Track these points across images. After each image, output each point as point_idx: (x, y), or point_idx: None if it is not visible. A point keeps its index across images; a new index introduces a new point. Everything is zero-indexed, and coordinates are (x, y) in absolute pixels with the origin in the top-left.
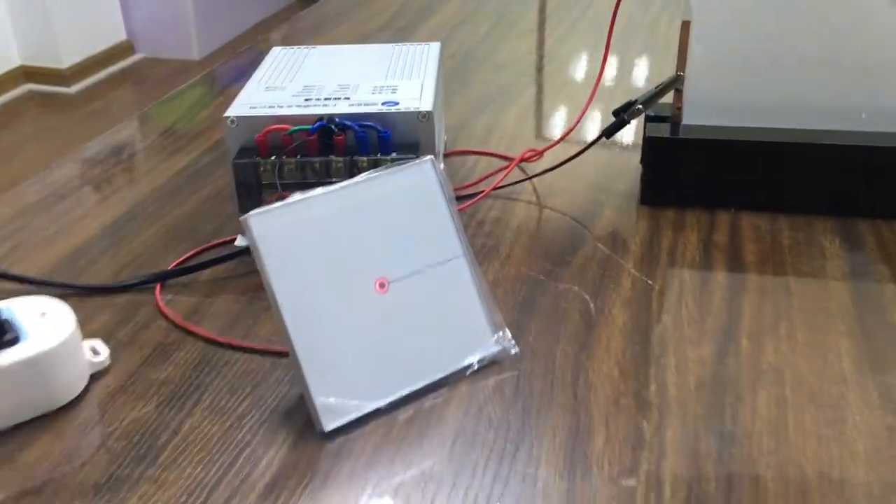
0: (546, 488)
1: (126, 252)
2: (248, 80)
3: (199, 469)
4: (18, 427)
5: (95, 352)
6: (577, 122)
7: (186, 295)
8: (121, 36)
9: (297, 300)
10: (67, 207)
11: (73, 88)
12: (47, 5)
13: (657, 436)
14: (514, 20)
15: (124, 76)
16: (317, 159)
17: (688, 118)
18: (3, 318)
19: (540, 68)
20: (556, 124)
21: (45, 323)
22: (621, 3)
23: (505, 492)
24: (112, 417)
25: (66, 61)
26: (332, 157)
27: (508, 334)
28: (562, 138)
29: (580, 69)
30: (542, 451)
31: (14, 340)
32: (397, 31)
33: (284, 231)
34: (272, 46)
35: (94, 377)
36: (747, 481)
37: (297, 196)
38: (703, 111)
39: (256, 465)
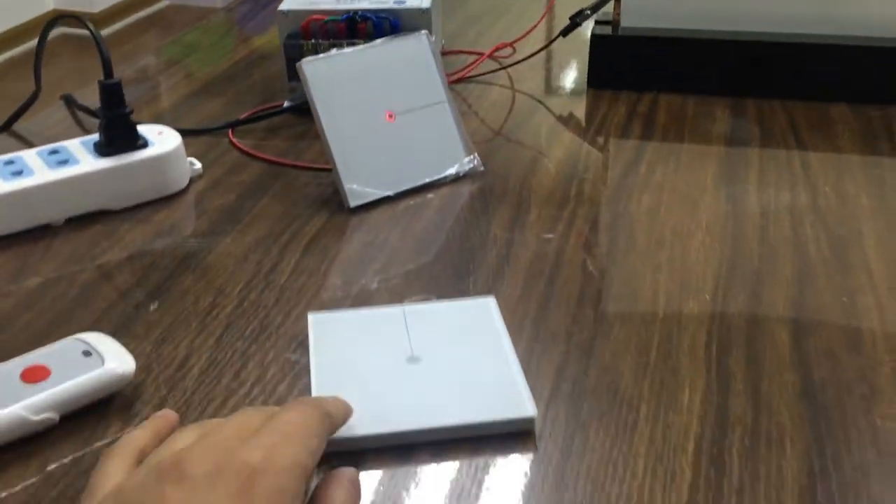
0: (495, 238)
1: (205, 111)
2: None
3: (268, 228)
4: (148, 203)
5: (193, 163)
6: (539, 22)
7: (250, 138)
8: None
9: (334, 121)
10: (155, 85)
11: (104, 32)
12: None
13: (572, 213)
14: None
15: (151, 21)
16: (345, 41)
17: (625, 21)
18: (138, 131)
19: None
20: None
21: (162, 137)
22: None
23: (470, 233)
24: (208, 201)
25: (97, 6)
26: (357, 40)
27: (477, 158)
28: (524, 35)
29: None
30: (494, 219)
31: (145, 145)
32: None
33: (327, 74)
34: None
35: (192, 181)
36: (624, 234)
37: (334, 51)
38: (636, 16)
39: (305, 224)
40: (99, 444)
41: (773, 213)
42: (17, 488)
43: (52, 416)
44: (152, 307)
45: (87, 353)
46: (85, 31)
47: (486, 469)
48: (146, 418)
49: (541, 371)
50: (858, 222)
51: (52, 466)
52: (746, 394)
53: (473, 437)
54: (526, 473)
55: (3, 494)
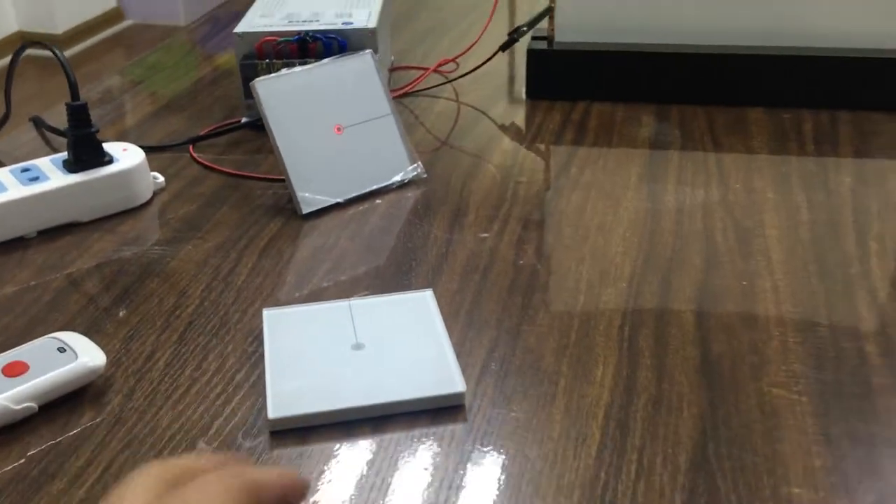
0: (436, 238)
1: (166, 127)
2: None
3: (226, 234)
4: (115, 215)
5: (156, 178)
6: (478, 39)
7: (210, 152)
8: (111, 3)
9: (286, 135)
10: (120, 105)
11: (68, 53)
12: None
13: (507, 213)
14: None
15: (115, 41)
16: (297, 61)
17: (558, 37)
18: (104, 148)
19: (473, 7)
20: (476, 47)
21: (127, 154)
22: None
23: (413, 234)
24: (170, 211)
25: (60, 27)
26: (308, 59)
27: (420, 165)
28: (466, 51)
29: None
30: (435, 221)
31: (110, 161)
32: None
33: (278, 92)
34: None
35: (156, 194)
36: (553, 230)
37: (284, 71)
38: (568, 32)
39: (261, 230)
40: (74, 431)
41: (688, 208)
42: (2, 470)
43: (32, 405)
44: (121, 313)
45: (61, 350)
46: (49, 53)
47: (421, 439)
48: (116, 406)
49: (472, 353)
50: (762, 214)
51: (32, 451)
52: (652, 367)
53: (412, 412)
54: (457, 442)
55: None
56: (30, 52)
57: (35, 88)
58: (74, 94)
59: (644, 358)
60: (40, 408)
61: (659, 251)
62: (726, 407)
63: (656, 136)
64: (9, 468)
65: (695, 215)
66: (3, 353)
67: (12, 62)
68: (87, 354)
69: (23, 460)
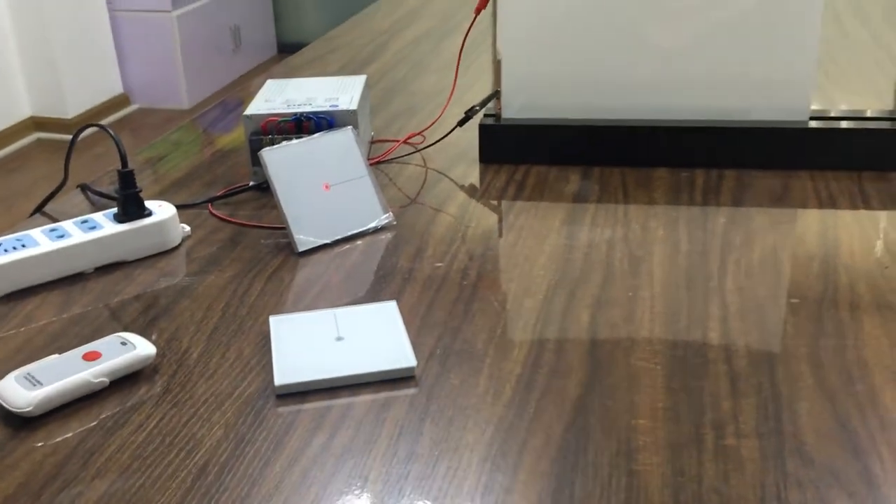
0: (401, 267)
1: (189, 190)
2: (248, 102)
3: (241, 267)
4: (153, 255)
5: (184, 228)
6: (438, 118)
7: (225, 209)
8: (118, 90)
9: (286, 191)
10: (151, 173)
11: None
12: (55, 64)
13: (457, 249)
14: (427, 65)
15: (122, 124)
16: (293, 135)
17: (505, 114)
18: (145, 204)
19: (438, 93)
20: (439, 123)
21: (162, 209)
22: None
23: (384, 265)
24: (195, 252)
25: (71, 112)
26: (302, 135)
27: (391, 215)
28: (427, 127)
29: (461, 92)
30: (401, 255)
31: (150, 214)
32: (346, 74)
33: (280, 159)
34: (254, 90)
35: (184, 240)
36: (490, 261)
37: (284, 143)
38: (512, 110)
39: (267, 265)
40: (134, 398)
41: (596, 243)
42: (81, 429)
43: (105, 380)
44: (162, 323)
45: (124, 343)
46: (60, 136)
47: (386, 399)
48: (164, 382)
49: (424, 344)
50: (652, 246)
51: (106, 413)
52: (554, 350)
53: (379, 381)
54: (411, 400)
55: (73, 433)
56: (42, 136)
57: (45, 170)
58: (124, 162)
59: (549, 344)
60: (110, 383)
61: (569, 273)
62: (604, 377)
63: (579, 191)
64: (90, 424)
65: (600, 248)
66: (81, 347)
67: (73, 139)
68: (142, 347)
69: (102, 416)
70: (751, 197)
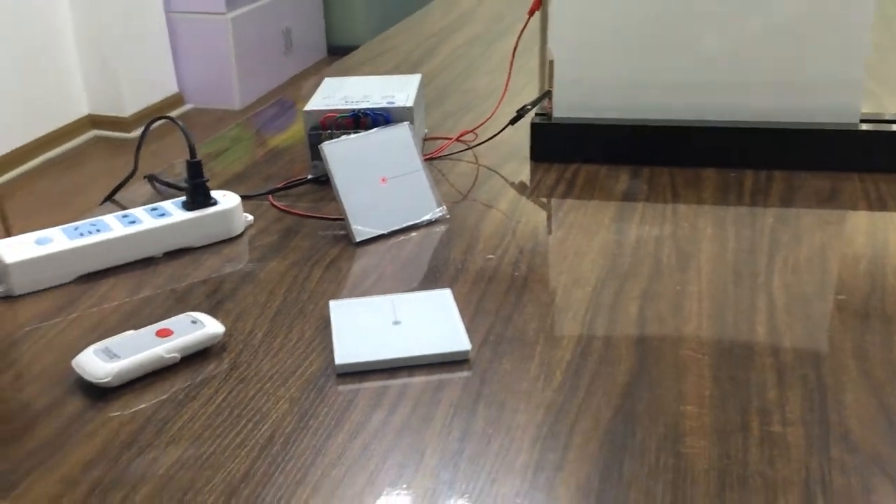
0: (454, 259)
1: (253, 183)
2: (307, 99)
3: (301, 255)
4: (218, 242)
5: (247, 217)
6: (490, 116)
7: (285, 200)
8: (173, 89)
9: (345, 183)
10: (215, 166)
11: (133, 134)
12: (113, 64)
13: (508, 243)
14: (479, 66)
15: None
16: (351, 131)
17: (556, 113)
18: (211, 194)
19: (491, 93)
20: (491, 122)
21: (227, 199)
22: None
23: (437, 256)
24: (257, 240)
25: (128, 111)
26: (359, 130)
27: (445, 208)
28: (480, 125)
29: (512, 92)
30: (454, 248)
31: (216, 203)
32: (400, 74)
33: (340, 152)
34: (306, 92)
35: (247, 228)
36: (540, 254)
37: (344, 137)
38: (564, 109)
39: (326, 253)
40: (203, 374)
41: (644, 239)
42: (155, 401)
43: (176, 356)
44: (228, 305)
45: (194, 322)
46: (116, 134)
47: (440, 381)
48: (231, 359)
49: (477, 330)
50: (700, 243)
51: (177, 387)
52: (603, 339)
53: (434, 363)
54: (464, 382)
55: (147, 404)
56: (98, 133)
57: (103, 167)
58: (192, 153)
59: (598, 333)
60: (181, 359)
61: (617, 267)
62: (650, 362)
63: (629, 190)
64: (163, 396)
65: (649, 244)
66: (155, 324)
67: (144, 131)
68: (212, 325)
69: (173, 390)
70: (800, 198)
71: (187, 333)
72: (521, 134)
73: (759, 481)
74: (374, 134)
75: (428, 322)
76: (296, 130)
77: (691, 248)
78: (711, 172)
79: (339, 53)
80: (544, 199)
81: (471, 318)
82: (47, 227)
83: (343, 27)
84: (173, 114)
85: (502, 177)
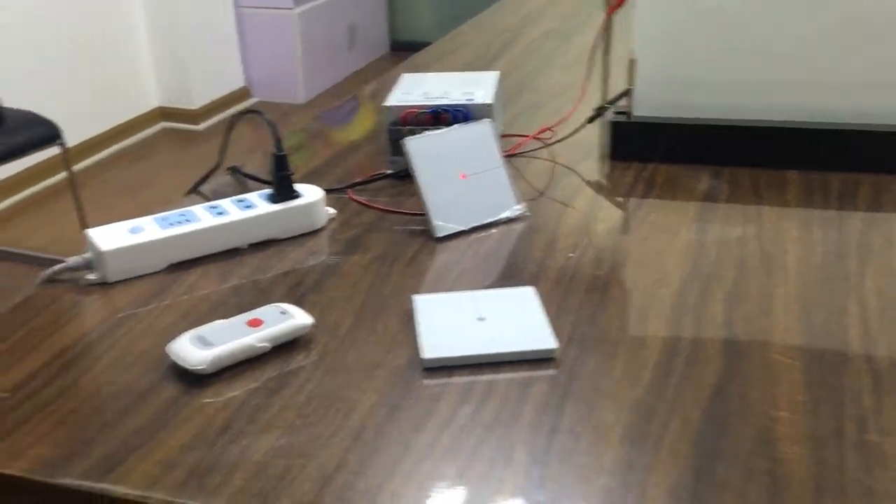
0: (534, 257)
1: (332, 177)
2: (388, 92)
3: (382, 249)
4: (301, 235)
5: (329, 210)
6: (569, 114)
7: (364, 195)
8: (240, 83)
9: (427, 178)
10: (298, 157)
11: (201, 126)
12: (183, 57)
13: (588, 241)
14: (553, 62)
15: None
16: (431, 127)
17: (635, 112)
18: (295, 187)
19: (566, 89)
20: (568, 119)
21: (310, 192)
22: (614, 44)
23: (517, 253)
24: (339, 234)
25: (196, 103)
26: (440, 126)
27: (525, 206)
28: (558, 122)
29: (589, 89)
30: (534, 245)
31: (299, 196)
32: (475, 70)
33: (422, 148)
34: (379, 87)
35: (329, 222)
36: (621, 253)
37: (426, 133)
38: (643, 108)
39: (407, 248)
40: (292, 364)
41: (728, 241)
42: (247, 388)
43: (267, 345)
44: (313, 297)
45: (283, 313)
46: (184, 126)
47: (526, 378)
48: (319, 350)
49: (560, 329)
50: (785, 245)
51: (268, 376)
52: (689, 339)
53: (520, 361)
54: (550, 380)
55: (239, 391)
56: (168, 125)
57: (171, 159)
58: (278, 146)
59: (684, 334)
60: (271, 348)
61: (701, 267)
62: (740, 365)
63: (709, 190)
64: (253, 385)
65: (732, 245)
66: (245, 314)
67: (230, 125)
68: (300, 316)
69: (264, 378)
70: (890, 201)
71: (277, 323)
72: (600, 132)
73: (857, 488)
74: (456, 130)
75: (513, 319)
76: (370, 126)
77: (776, 249)
78: (795, 174)
79: (402, 49)
80: (623, 199)
81: (554, 315)
82: (119, 215)
83: (407, 23)
84: (239, 107)
85: (579, 175)
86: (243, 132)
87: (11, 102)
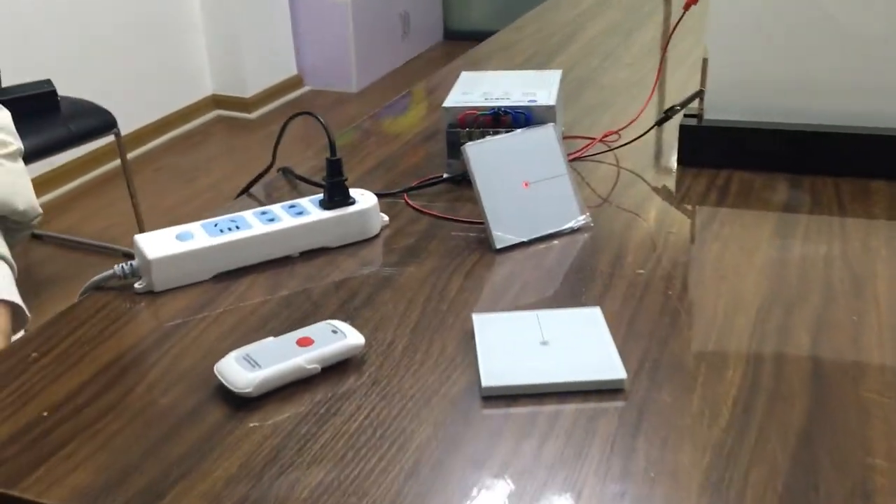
0: (601, 272)
1: (385, 180)
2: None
3: (439, 261)
4: (354, 243)
5: (383, 217)
6: (637, 116)
7: (420, 200)
8: (292, 71)
9: (487, 187)
10: (350, 158)
11: (254, 114)
12: (237, 45)
13: (659, 256)
14: (617, 58)
15: (294, 105)
16: (491, 129)
17: (707, 115)
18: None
19: (631, 88)
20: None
21: (364, 198)
22: (682, 41)
23: (583, 268)
24: (394, 242)
25: (249, 91)
26: (499, 129)
27: (589, 216)
28: (626, 126)
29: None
30: (600, 259)
31: (353, 202)
32: (534, 66)
33: (482, 154)
34: (430, 84)
35: (382, 229)
36: (696, 271)
37: (488, 138)
38: (716, 111)
39: (465, 259)
40: (344, 387)
41: (811, 259)
42: (295, 412)
43: (317, 367)
44: (367, 312)
45: (334, 331)
46: (237, 114)
47: (593, 410)
48: (372, 373)
49: (630, 355)
50: (875, 266)
51: (318, 398)
52: (772, 373)
53: (586, 391)
54: (620, 413)
55: (288, 414)
56: (221, 113)
57: (224, 146)
58: (333, 150)
59: (766, 365)
60: (321, 370)
61: (783, 290)
62: (829, 403)
63: (789, 201)
64: (304, 409)
65: (817, 264)
66: (294, 332)
67: (283, 127)
68: (352, 336)
69: (315, 402)
70: None
71: (328, 344)
72: (668, 136)
73: None
74: (518, 135)
75: (578, 344)
76: (426, 125)
77: (865, 270)
78: (882, 184)
79: (455, 38)
80: (695, 209)
81: (623, 339)
82: (172, 203)
83: (461, 12)
84: (292, 96)
85: (647, 182)
86: (295, 122)
87: (68, 90)
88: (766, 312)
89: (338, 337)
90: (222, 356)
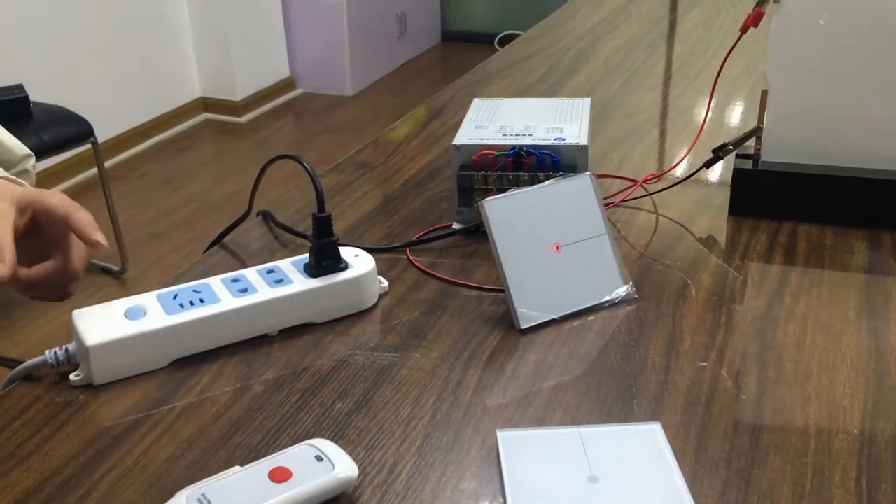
0: (654, 364)
1: (383, 229)
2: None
3: (450, 344)
4: (345, 317)
5: (381, 282)
6: (685, 156)
7: (426, 256)
8: (285, 73)
9: (509, 252)
10: (342, 199)
11: (244, 118)
12: (227, 46)
13: (723, 342)
14: (643, 77)
15: (287, 108)
16: (511, 174)
17: (764, 157)
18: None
19: (663, 116)
20: (671, 158)
21: (359, 260)
22: (725, 67)
23: (630, 357)
24: (395, 317)
25: (239, 94)
26: (521, 173)
27: (632, 286)
28: (672, 167)
29: (693, 116)
30: (651, 345)
31: (345, 267)
32: (550, 86)
33: (504, 211)
34: (438, 102)
35: (380, 298)
36: (773, 364)
37: (511, 191)
38: (775, 153)
39: (482, 342)
40: None
41: None
42: None
43: None
44: (361, 420)
45: (318, 458)
46: (226, 118)
47: None
48: None
49: (705, 495)
50: None
51: None
52: None
53: None
54: None
55: None
56: (209, 116)
57: (213, 152)
58: (321, 205)
59: None
60: None
61: (886, 396)
62: None
63: (870, 265)
64: None
65: None
66: (268, 458)
67: (260, 173)
68: (342, 465)
69: None
70: None
71: (310, 478)
72: (716, 178)
73: None
74: (548, 188)
75: (637, 481)
76: (430, 158)
77: None
78: None
79: (454, 40)
80: (759, 273)
81: (691, 468)
82: (156, 212)
83: (459, 13)
84: (284, 99)
85: (694, 235)
86: (287, 125)
87: (46, 94)
88: (871, 432)
89: (323, 467)
90: (171, 492)
